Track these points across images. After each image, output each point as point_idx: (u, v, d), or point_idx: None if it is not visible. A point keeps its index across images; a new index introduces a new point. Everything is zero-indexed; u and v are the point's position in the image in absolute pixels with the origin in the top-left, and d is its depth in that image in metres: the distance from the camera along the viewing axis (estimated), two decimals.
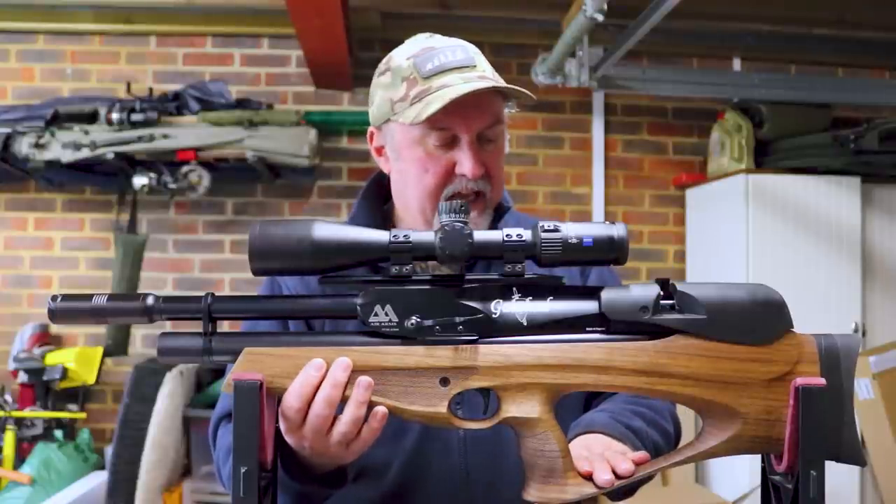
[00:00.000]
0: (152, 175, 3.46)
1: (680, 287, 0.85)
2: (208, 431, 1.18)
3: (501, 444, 1.11)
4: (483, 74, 1.11)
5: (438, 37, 1.17)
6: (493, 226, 1.19)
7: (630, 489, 1.04)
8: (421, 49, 1.13)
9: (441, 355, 0.84)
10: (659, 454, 1.12)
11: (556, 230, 0.84)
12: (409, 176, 1.14)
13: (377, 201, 1.24)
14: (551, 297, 0.86)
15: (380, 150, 1.20)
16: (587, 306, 0.86)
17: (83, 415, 3.49)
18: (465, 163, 1.10)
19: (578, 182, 4.03)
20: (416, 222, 1.16)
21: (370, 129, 1.21)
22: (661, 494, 3.43)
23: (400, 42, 1.19)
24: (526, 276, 0.85)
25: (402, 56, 1.14)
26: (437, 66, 1.09)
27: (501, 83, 1.11)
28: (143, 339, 3.80)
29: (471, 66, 1.11)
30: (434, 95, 1.07)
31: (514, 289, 0.86)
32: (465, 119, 1.10)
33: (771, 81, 3.68)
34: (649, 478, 0.93)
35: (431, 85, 1.08)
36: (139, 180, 3.46)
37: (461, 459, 1.13)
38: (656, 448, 1.10)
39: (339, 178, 3.91)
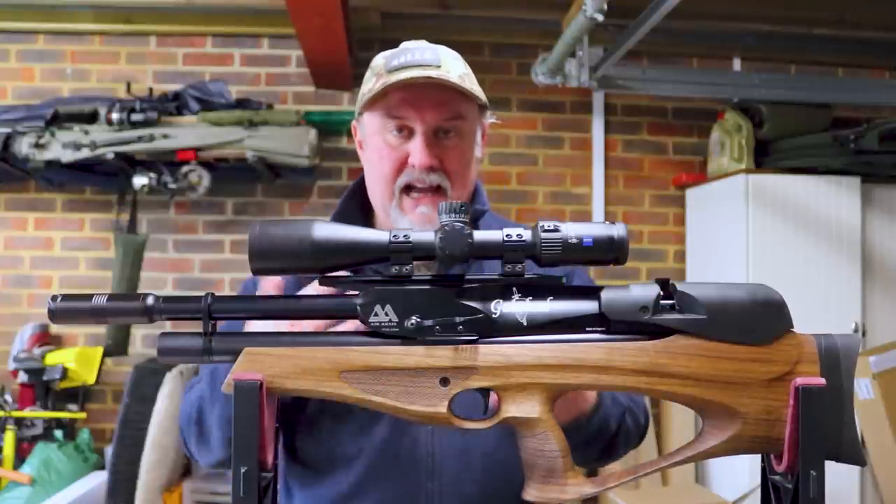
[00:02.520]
0: (152, 175, 3.47)
1: (680, 287, 0.85)
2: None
3: (467, 439, 1.15)
4: (445, 74, 1.14)
5: (423, 41, 1.21)
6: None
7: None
8: (398, 49, 1.19)
9: (441, 355, 0.83)
10: (626, 435, 1.18)
11: (556, 230, 0.84)
12: (371, 164, 1.21)
13: (361, 200, 1.28)
14: (551, 297, 0.86)
15: (361, 144, 1.26)
16: (587, 306, 0.86)
17: (83, 415, 3.49)
18: (415, 153, 1.15)
19: (578, 182, 4.03)
20: (378, 212, 1.23)
21: (352, 123, 1.27)
22: (661, 494, 3.43)
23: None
24: (526, 276, 0.85)
25: (381, 55, 1.20)
26: (402, 62, 1.15)
27: (464, 85, 1.15)
28: (143, 339, 3.81)
29: (435, 65, 1.15)
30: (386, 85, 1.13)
31: (514, 289, 0.86)
32: (419, 111, 1.15)
33: (771, 81, 3.68)
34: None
35: (390, 78, 1.14)
36: (139, 180, 3.46)
37: (428, 453, 1.16)
38: (622, 426, 1.16)
39: (339, 178, 3.91)
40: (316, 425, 1.18)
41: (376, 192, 1.21)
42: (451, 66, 1.16)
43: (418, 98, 1.14)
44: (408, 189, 1.17)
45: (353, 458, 1.17)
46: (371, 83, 1.18)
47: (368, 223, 1.27)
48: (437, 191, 1.17)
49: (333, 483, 1.18)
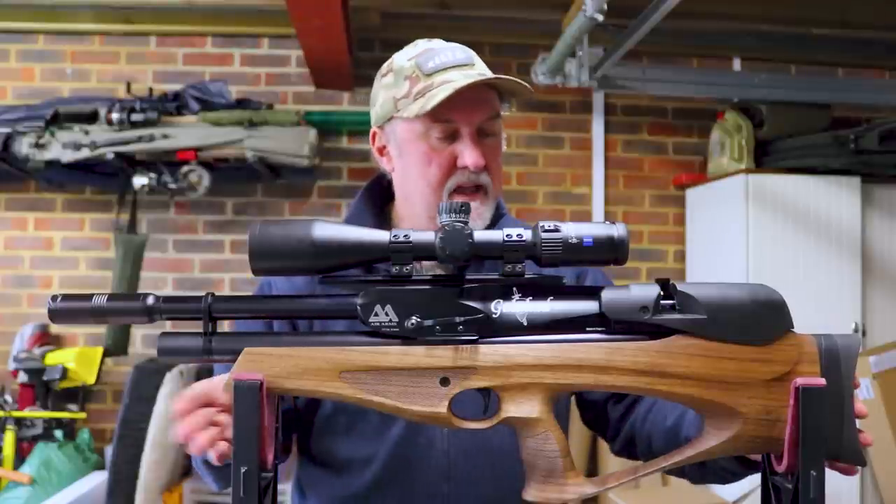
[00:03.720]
0: (152, 175, 3.46)
1: (680, 287, 0.85)
2: None
3: (483, 438, 1.13)
4: (482, 73, 1.15)
5: (438, 40, 1.20)
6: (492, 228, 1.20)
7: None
8: (422, 50, 1.17)
9: (441, 355, 0.83)
10: None
11: (556, 230, 0.84)
12: (413, 170, 1.17)
13: (376, 202, 1.26)
14: (551, 297, 0.86)
15: (382, 150, 1.22)
16: (587, 306, 0.86)
17: (83, 415, 3.49)
18: (468, 155, 1.14)
19: (578, 182, 4.03)
20: (419, 218, 1.19)
21: (373, 129, 1.23)
22: (661, 494, 3.43)
23: (400, 42, 1.23)
24: (526, 276, 0.85)
25: (403, 58, 1.18)
26: (439, 64, 1.14)
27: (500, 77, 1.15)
28: (143, 339, 3.80)
29: (470, 64, 1.16)
30: (437, 89, 1.11)
31: (515, 289, 0.86)
32: (466, 113, 1.14)
33: (771, 81, 3.68)
34: None
35: (434, 80, 1.12)
36: (139, 180, 3.46)
37: (443, 452, 1.15)
38: None
39: (339, 178, 3.91)
40: (331, 426, 1.18)
41: (420, 198, 1.17)
42: (480, 64, 1.17)
43: (463, 99, 1.12)
44: (455, 190, 1.16)
45: (367, 459, 1.16)
46: (404, 87, 1.15)
47: (383, 225, 1.24)
48: (478, 189, 1.16)
49: (348, 484, 1.17)
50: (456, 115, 1.13)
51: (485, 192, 1.17)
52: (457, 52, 1.16)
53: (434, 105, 1.10)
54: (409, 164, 1.18)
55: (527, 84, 1.15)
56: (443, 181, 1.15)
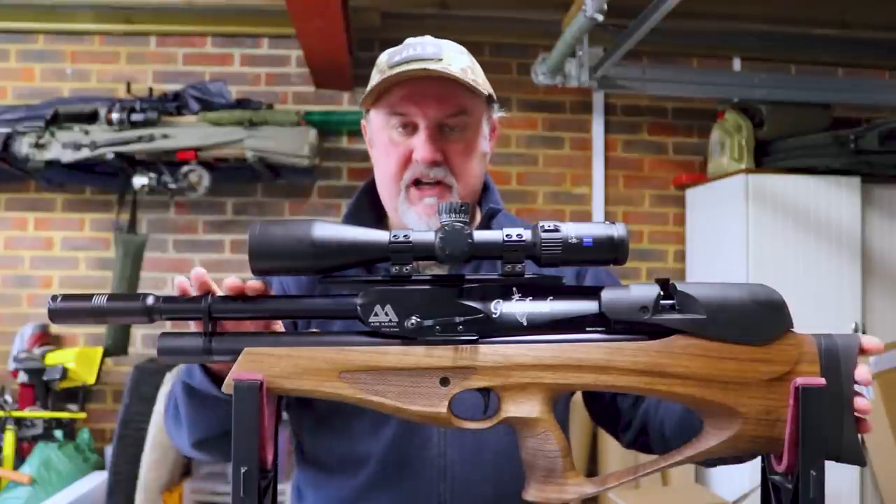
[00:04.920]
0: (152, 175, 3.46)
1: (680, 287, 0.85)
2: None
3: (479, 439, 1.13)
4: (445, 68, 1.13)
5: (427, 37, 1.20)
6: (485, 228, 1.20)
7: None
8: (402, 45, 1.18)
9: (441, 355, 0.83)
10: None
11: (556, 230, 0.84)
12: (378, 161, 1.21)
13: (374, 198, 1.27)
14: (551, 298, 0.86)
15: (370, 142, 1.26)
16: (587, 306, 0.86)
17: (83, 415, 3.48)
18: (418, 148, 1.15)
19: (578, 182, 4.03)
20: (388, 209, 1.23)
21: (362, 122, 1.27)
22: (661, 494, 3.43)
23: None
24: (526, 276, 0.85)
25: (386, 52, 1.20)
26: (404, 57, 1.14)
27: (466, 78, 1.13)
28: (143, 339, 3.80)
29: (435, 59, 1.14)
30: (379, 81, 1.14)
31: (514, 289, 0.86)
32: (421, 106, 1.15)
33: (771, 81, 3.68)
34: None
35: (391, 73, 1.13)
36: (139, 180, 3.46)
37: (439, 453, 1.15)
38: None
39: (339, 178, 3.91)
40: (326, 425, 1.18)
41: (384, 189, 1.21)
42: (454, 60, 1.15)
43: (420, 93, 1.13)
44: (415, 183, 1.17)
45: (363, 458, 1.16)
46: (374, 80, 1.17)
47: (381, 222, 1.26)
48: (443, 186, 1.16)
49: (344, 484, 1.17)
50: (411, 108, 1.14)
51: (448, 188, 1.16)
52: (427, 46, 1.15)
53: (366, 93, 1.15)
54: (376, 154, 1.22)
55: (468, 82, 1.13)
56: (399, 174, 1.17)
